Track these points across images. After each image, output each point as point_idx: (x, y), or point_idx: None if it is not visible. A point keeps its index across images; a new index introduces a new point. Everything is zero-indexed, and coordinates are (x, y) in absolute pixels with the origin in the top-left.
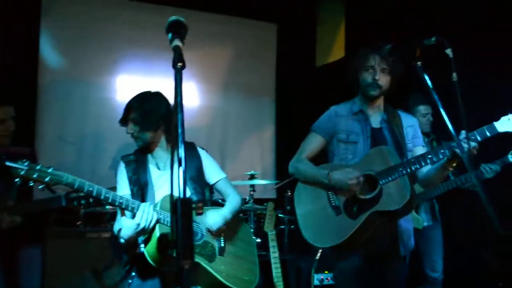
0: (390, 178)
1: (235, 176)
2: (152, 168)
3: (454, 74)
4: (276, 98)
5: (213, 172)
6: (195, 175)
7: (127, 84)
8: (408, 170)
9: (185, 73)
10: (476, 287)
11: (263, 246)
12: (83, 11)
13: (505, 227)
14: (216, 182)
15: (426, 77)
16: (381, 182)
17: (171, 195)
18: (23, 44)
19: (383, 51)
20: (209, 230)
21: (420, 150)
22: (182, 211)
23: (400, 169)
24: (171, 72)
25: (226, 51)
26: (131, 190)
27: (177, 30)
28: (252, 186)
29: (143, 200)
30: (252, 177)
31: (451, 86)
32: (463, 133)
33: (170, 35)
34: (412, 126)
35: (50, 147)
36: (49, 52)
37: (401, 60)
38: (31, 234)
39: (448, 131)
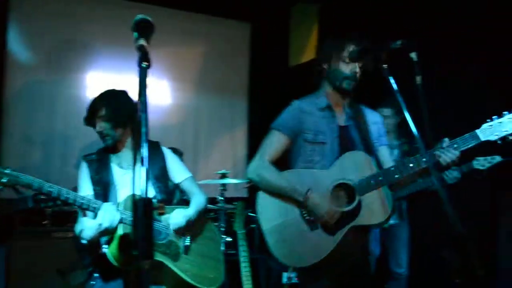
0: (369, 189)
1: (207, 175)
2: (114, 167)
3: (418, 78)
4: (249, 97)
5: (177, 172)
6: (160, 174)
7: (97, 81)
8: (389, 179)
9: (157, 71)
10: (438, 285)
11: (234, 245)
12: (52, 7)
13: (466, 228)
14: (181, 182)
15: (392, 80)
16: (359, 193)
17: (133, 194)
18: None
19: (360, 44)
20: (174, 230)
21: (384, 150)
22: (143, 211)
23: (380, 178)
24: None
25: (199, 49)
26: (94, 190)
27: (143, 29)
28: (223, 185)
29: (106, 200)
30: (223, 176)
31: (416, 90)
32: (445, 141)
33: (135, 34)
34: (376, 123)
35: (17, 146)
36: (17, 48)
37: (369, 62)
38: None
39: (412, 135)
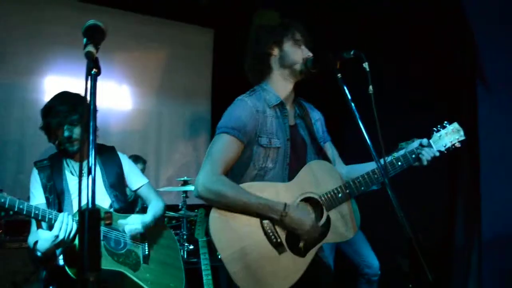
0: (336, 202)
1: (169, 182)
2: (68, 174)
3: (370, 87)
4: (212, 102)
5: (134, 178)
6: (116, 181)
7: (54, 85)
8: (356, 191)
9: (118, 76)
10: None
11: (195, 253)
12: (9, 8)
13: (416, 231)
14: (138, 188)
15: (346, 89)
16: (327, 208)
17: (79, 207)
18: None
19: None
20: (130, 236)
21: (330, 147)
22: (89, 222)
23: (348, 191)
24: (102, 74)
25: (162, 54)
26: (47, 198)
27: (93, 35)
28: (185, 192)
29: (60, 209)
30: (185, 183)
31: (368, 98)
32: (425, 141)
33: (84, 40)
34: (319, 119)
35: None
36: None
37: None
38: None
39: (366, 144)
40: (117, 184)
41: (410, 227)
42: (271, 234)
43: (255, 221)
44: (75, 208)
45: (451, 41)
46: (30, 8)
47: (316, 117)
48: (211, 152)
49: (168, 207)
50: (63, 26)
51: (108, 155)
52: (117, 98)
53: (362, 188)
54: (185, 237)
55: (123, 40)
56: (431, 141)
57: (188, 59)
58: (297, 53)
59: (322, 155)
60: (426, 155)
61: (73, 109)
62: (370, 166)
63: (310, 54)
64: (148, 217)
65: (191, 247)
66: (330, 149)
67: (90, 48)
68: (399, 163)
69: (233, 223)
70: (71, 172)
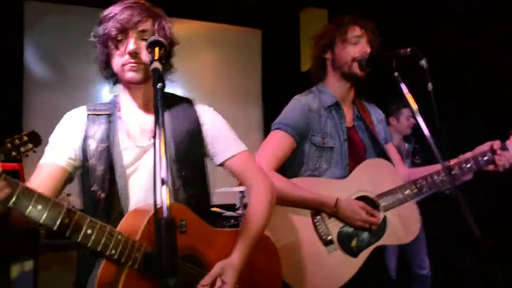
0: (395, 203)
1: (225, 183)
2: (122, 136)
3: (429, 84)
4: (263, 103)
5: (222, 143)
6: (187, 151)
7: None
8: (419, 192)
9: (171, 81)
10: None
11: None
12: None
13: (483, 230)
14: (227, 160)
15: (403, 88)
16: (384, 208)
17: (155, 207)
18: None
19: (363, 25)
20: None
21: (392, 149)
22: (166, 230)
23: (407, 192)
24: None
25: (211, 58)
26: (87, 167)
27: (154, 51)
28: (242, 192)
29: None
30: (241, 183)
31: (428, 96)
32: (498, 144)
33: (150, 56)
34: (381, 121)
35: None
36: (34, 65)
37: (378, 71)
38: None
39: (426, 142)
40: (188, 155)
41: (478, 226)
42: (321, 231)
43: (307, 217)
44: (133, 191)
45: None
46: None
47: (379, 117)
48: (264, 147)
49: (225, 207)
50: None
51: (179, 110)
52: (171, 103)
53: (424, 189)
54: None
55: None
56: (507, 143)
57: (238, 61)
58: (348, 54)
59: (383, 157)
60: (504, 160)
61: (149, 17)
62: (436, 168)
63: (367, 51)
64: (239, 253)
65: None
66: (392, 150)
67: (157, 64)
68: (468, 165)
69: (285, 218)
70: (126, 132)
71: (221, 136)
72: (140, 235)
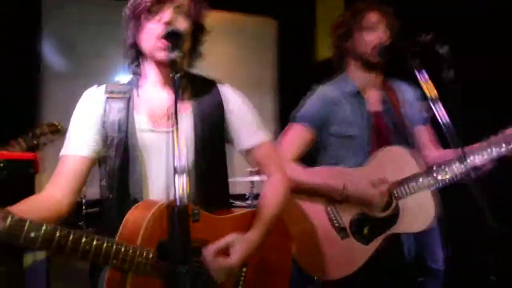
0: (409, 192)
1: (235, 173)
2: (140, 118)
3: (450, 72)
4: (278, 93)
5: (247, 130)
6: (210, 137)
7: None
8: (436, 183)
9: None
10: (473, 281)
11: None
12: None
13: (499, 222)
14: (251, 149)
15: (421, 76)
16: (398, 196)
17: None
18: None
19: (380, 9)
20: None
21: (423, 130)
22: (178, 218)
23: (421, 180)
24: None
25: (227, 47)
26: (104, 157)
27: (176, 41)
28: (252, 182)
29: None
30: (253, 172)
31: (447, 85)
32: None
33: (167, 46)
34: (414, 101)
35: (54, 151)
36: (51, 57)
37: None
38: None
39: (444, 133)
40: (209, 144)
41: (495, 218)
42: (334, 218)
43: (320, 204)
44: (152, 178)
45: None
46: (105, 14)
47: (409, 98)
48: (283, 141)
49: (235, 197)
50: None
51: (203, 92)
52: None
53: (440, 176)
54: None
55: None
56: None
57: (253, 50)
58: (367, 42)
59: (409, 142)
60: None
61: None
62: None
63: (386, 37)
64: (256, 232)
65: None
66: (423, 132)
67: (175, 54)
68: (489, 150)
69: (298, 206)
70: (148, 113)
71: (244, 123)
72: (140, 239)
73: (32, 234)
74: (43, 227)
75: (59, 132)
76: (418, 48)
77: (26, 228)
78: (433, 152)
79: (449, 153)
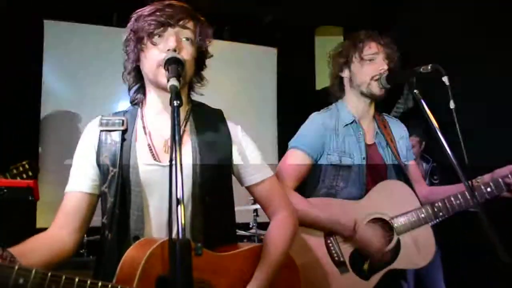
0: (410, 226)
1: (238, 201)
2: (139, 149)
3: (452, 102)
4: (278, 121)
5: (250, 166)
6: (215, 173)
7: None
8: (435, 216)
9: None
10: None
11: None
12: (85, 42)
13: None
14: (254, 185)
15: (424, 105)
16: (398, 231)
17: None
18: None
19: (379, 40)
20: None
21: (413, 167)
22: (180, 254)
23: (423, 216)
24: None
25: (226, 76)
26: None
27: (175, 68)
28: (255, 210)
29: (123, 208)
30: (255, 201)
31: (450, 114)
32: None
33: (166, 73)
34: (402, 137)
35: (54, 181)
36: (52, 82)
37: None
38: None
39: (448, 159)
40: (215, 177)
41: (503, 247)
42: (334, 252)
43: (320, 237)
44: (153, 213)
45: None
46: (107, 41)
47: (401, 134)
48: (282, 167)
49: (238, 226)
50: None
51: (209, 123)
52: None
53: (441, 213)
54: None
55: None
56: None
57: (253, 79)
58: (366, 72)
59: (404, 175)
60: None
61: (188, 17)
62: (456, 189)
63: (385, 68)
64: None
65: None
66: (413, 168)
67: (174, 81)
68: (489, 189)
69: (298, 238)
70: (149, 146)
71: (250, 159)
72: (137, 279)
73: (21, 281)
74: (32, 273)
75: (37, 171)
76: (419, 78)
77: (14, 274)
78: (424, 187)
79: (441, 189)
